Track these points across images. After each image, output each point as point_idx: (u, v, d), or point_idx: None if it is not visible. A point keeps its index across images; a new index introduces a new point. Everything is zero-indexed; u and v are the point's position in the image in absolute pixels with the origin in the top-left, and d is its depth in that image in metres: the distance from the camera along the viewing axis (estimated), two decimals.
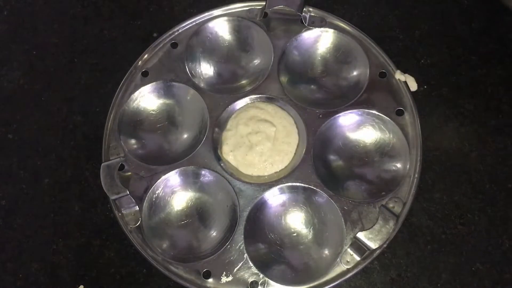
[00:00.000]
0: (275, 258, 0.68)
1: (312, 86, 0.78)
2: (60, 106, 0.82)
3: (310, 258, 0.68)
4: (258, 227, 0.69)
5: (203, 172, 0.72)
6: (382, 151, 0.72)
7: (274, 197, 0.70)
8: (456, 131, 0.75)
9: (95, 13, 0.88)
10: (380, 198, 0.68)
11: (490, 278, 0.67)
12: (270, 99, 0.76)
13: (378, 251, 0.66)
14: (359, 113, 0.73)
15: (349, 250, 0.66)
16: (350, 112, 0.73)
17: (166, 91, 0.78)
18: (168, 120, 0.78)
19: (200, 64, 0.80)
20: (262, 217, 0.70)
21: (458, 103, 0.76)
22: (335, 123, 0.73)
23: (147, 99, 0.78)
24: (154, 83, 0.78)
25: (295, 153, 0.73)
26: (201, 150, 0.73)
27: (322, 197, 0.69)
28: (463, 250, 0.69)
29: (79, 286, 0.71)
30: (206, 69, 0.80)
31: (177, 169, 0.72)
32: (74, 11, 0.89)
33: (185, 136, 0.77)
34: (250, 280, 0.66)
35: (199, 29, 0.81)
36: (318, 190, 0.69)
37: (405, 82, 0.74)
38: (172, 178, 0.72)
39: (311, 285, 0.65)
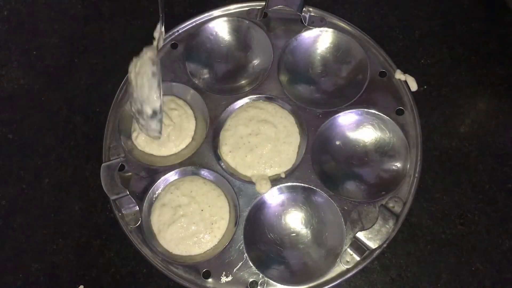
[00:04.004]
0: (275, 258, 0.68)
1: (312, 85, 0.78)
2: (60, 106, 0.82)
3: (309, 258, 0.68)
4: (257, 227, 0.69)
5: (202, 172, 0.72)
6: (382, 151, 0.72)
7: (274, 197, 0.70)
8: (456, 131, 0.75)
9: (95, 13, 0.88)
10: (380, 198, 0.68)
11: (490, 278, 0.67)
12: (270, 99, 0.76)
13: (378, 251, 0.66)
14: (359, 112, 0.73)
15: (349, 250, 0.66)
16: (350, 112, 0.73)
17: (166, 92, 0.78)
18: None
19: (200, 64, 0.80)
20: (262, 217, 0.70)
21: (458, 103, 0.76)
22: (335, 123, 0.73)
23: None
24: None
25: (296, 155, 0.73)
26: (201, 150, 0.73)
27: (322, 197, 0.69)
28: (463, 250, 0.69)
29: (79, 286, 0.71)
30: (206, 69, 0.80)
31: (177, 169, 0.72)
32: (74, 11, 0.89)
33: None
34: (250, 280, 0.66)
35: (199, 29, 0.81)
36: (317, 190, 0.69)
37: (405, 82, 0.74)
38: (172, 178, 0.72)
39: (311, 285, 0.65)
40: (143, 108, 0.68)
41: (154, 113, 0.68)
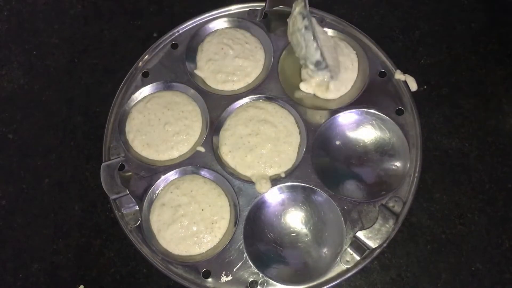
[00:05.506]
0: (275, 257, 0.68)
1: None
2: (60, 106, 0.82)
3: (309, 258, 0.68)
4: (257, 227, 0.69)
5: (202, 172, 0.72)
6: (382, 151, 0.72)
7: (274, 197, 0.70)
8: (456, 131, 0.75)
9: (95, 13, 0.88)
10: (380, 198, 0.68)
11: (490, 278, 0.67)
12: (270, 99, 0.76)
13: (378, 251, 0.66)
14: (359, 112, 0.73)
15: (348, 249, 0.66)
16: (350, 112, 0.73)
17: (166, 90, 0.78)
18: None
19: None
20: (262, 217, 0.70)
21: (458, 103, 0.76)
22: (335, 123, 0.73)
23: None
24: (154, 83, 0.78)
25: (296, 155, 0.73)
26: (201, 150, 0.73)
27: (322, 196, 0.69)
28: (463, 250, 0.69)
29: (79, 286, 0.71)
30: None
31: (177, 169, 0.72)
32: (74, 11, 0.89)
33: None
34: (250, 279, 0.66)
35: (199, 29, 0.81)
36: (317, 189, 0.69)
37: (405, 82, 0.74)
38: (172, 178, 0.72)
39: (311, 284, 0.65)
40: (307, 63, 0.72)
41: (318, 63, 0.70)
